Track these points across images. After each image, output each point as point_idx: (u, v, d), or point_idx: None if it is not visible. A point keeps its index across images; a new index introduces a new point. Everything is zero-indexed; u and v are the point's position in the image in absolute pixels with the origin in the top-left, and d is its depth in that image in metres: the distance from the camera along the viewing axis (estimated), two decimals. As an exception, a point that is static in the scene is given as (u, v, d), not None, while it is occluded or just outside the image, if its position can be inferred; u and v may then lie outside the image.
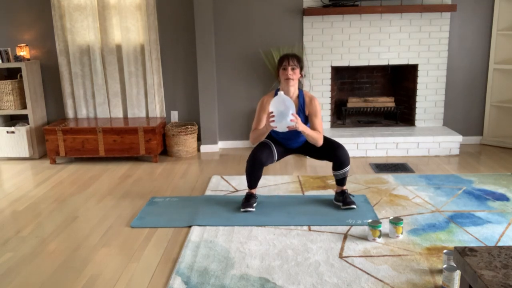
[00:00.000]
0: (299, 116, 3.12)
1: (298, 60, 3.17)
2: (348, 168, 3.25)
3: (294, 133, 3.19)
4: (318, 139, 3.14)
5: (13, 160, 4.81)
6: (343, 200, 3.30)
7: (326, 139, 3.25)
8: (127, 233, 3.05)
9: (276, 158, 3.27)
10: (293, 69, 3.13)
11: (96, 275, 2.54)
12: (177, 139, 4.72)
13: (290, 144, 3.33)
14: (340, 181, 3.32)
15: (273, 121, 2.94)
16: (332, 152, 3.19)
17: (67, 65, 4.92)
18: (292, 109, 2.93)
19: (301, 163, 4.44)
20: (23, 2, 4.82)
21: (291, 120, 2.93)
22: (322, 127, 3.23)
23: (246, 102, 4.96)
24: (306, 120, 3.23)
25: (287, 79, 3.11)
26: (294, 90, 3.17)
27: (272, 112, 2.95)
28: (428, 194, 3.54)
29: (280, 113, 2.92)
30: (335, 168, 3.25)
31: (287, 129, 2.99)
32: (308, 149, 3.33)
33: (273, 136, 3.32)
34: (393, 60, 4.82)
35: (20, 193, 3.86)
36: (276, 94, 3.11)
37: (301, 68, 3.19)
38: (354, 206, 3.26)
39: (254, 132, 3.21)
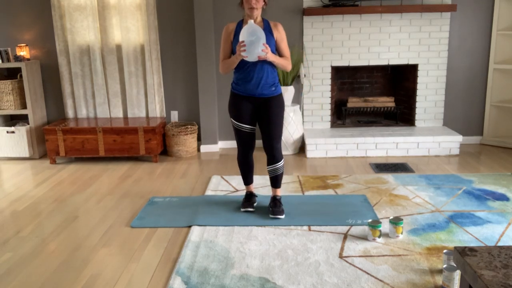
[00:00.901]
0: (268, 38, 3.03)
1: None
2: (279, 165, 3.20)
3: (260, 70, 3.05)
4: (287, 65, 3.11)
5: (13, 160, 4.81)
6: (272, 207, 3.23)
7: (279, 130, 3.16)
8: (127, 233, 3.05)
9: (254, 129, 3.22)
10: None
11: (96, 275, 2.54)
12: (177, 139, 4.72)
13: (250, 89, 3.10)
14: (273, 180, 3.26)
15: (244, 50, 2.88)
16: (269, 142, 3.14)
17: (67, 65, 4.92)
18: (263, 39, 2.88)
19: (301, 163, 4.44)
20: (23, 2, 4.82)
21: (262, 50, 2.89)
22: (289, 52, 3.18)
23: (246, 102, 4.95)
24: (275, 45, 3.14)
25: (251, 8, 2.99)
26: (257, 17, 3.08)
27: (243, 42, 2.89)
28: (428, 194, 3.54)
29: (251, 42, 2.87)
30: (268, 162, 3.22)
31: (257, 59, 2.93)
32: (262, 111, 3.16)
33: (238, 83, 3.15)
34: (393, 60, 4.82)
35: (20, 193, 3.86)
36: (239, 23, 3.09)
37: None
38: (282, 217, 3.18)
39: (224, 62, 3.12)
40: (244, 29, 2.91)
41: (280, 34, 3.10)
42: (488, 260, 1.28)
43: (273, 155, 3.17)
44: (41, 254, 2.79)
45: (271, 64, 3.06)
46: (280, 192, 3.34)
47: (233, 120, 3.19)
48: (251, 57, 2.91)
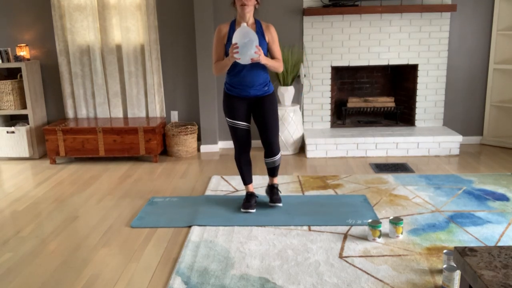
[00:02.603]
0: (260, 40, 3.06)
1: None
2: (277, 157, 3.29)
3: (252, 72, 3.09)
4: (278, 67, 3.16)
5: (13, 160, 4.81)
6: (270, 195, 3.37)
7: (275, 124, 3.20)
8: (127, 233, 3.05)
9: (249, 126, 3.27)
10: None
11: (96, 275, 2.54)
12: (177, 139, 4.72)
13: (244, 90, 3.15)
14: (271, 171, 3.36)
15: (237, 52, 2.91)
16: (267, 138, 3.22)
17: (67, 65, 4.92)
18: (256, 41, 2.91)
19: (301, 163, 4.44)
20: (23, 2, 4.82)
21: (255, 52, 2.92)
22: (281, 54, 3.23)
23: (246, 102, 4.95)
24: (267, 47, 3.17)
25: (243, 5, 3.00)
26: (249, 16, 3.09)
27: (236, 44, 2.92)
28: (428, 194, 3.54)
29: (244, 44, 2.90)
30: (266, 155, 3.30)
31: (250, 61, 2.97)
32: (257, 109, 3.21)
33: (232, 85, 3.19)
34: (393, 60, 4.82)
35: (20, 193, 3.86)
36: (232, 24, 3.11)
37: None
38: (280, 205, 3.33)
39: (217, 64, 3.15)
40: (237, 32, 2.93)
41: (272, 36, 3.15)
42: (488, 260, 1.28)
43: (272, 149, 3.26)
44: (41, 254, 2.79)
45: (262, 65, 3.10)
46: (277, 180, 3.44)
47: (228, 119, 3.23)
48: (244, 59, 2.95)
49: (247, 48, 2.89)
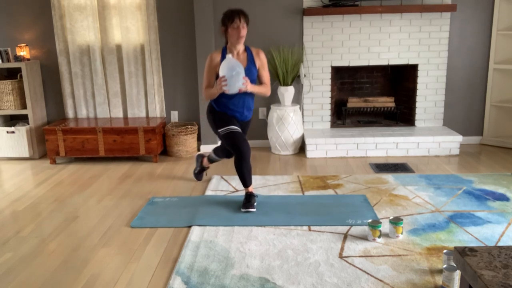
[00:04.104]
0: (251, 68, 3.24)
1: (245, 16, 3.20)
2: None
3: (242, 102, 3.30)
4: (265, 92, 3.33)
5: (13, 160, 4.81)
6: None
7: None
8: (127, 233, 3.05)
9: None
10: (243, 26, 3.17)
11: (96, 275, 2.54)
12: (177, 139, 4.72)
13: (234, 114, 3.34)
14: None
15: (225, 85, 3.07)
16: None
17: (67, 65, 4.92)
18: (242, 73, 3.07)
19: (301, 163, 4.44)
20: (23, 2, 4.82)
21: (242, 84, 3.09)
22: (269, 79, 3.39)
23: (246, 102, 4.95)
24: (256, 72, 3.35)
25: (240, 37, 3.16)
26: (241, 47, 3.28)
27: (224, 77, 3.06)
28: (428, 194, 3.54)
29: (231, 77, 3.05)
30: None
31: (237, 91, 3.13)
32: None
33: (227, 112, 3.34)
34: (393, 60, 4.82)
35: (20, 193, 3.86)
36: (223, 52, 3.24)
37: (247, 23, 3.22)
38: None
39: (206, 90, 3.29)
40: (223, 65, 3.08)
41: (261, 61, 3.32)
42: (488, 260, 1.28)
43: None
44: (41, 254, 2.79)
45: (250, 92, 3.29)
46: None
47: (221, 129, 3.29)
48: (232, 90, 3.11)
49: (234, 79, 3.05)
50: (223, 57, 3.19)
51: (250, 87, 3.17)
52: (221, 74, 3.08)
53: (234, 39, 3.16)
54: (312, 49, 4.81)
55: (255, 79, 3.30)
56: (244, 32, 3.15)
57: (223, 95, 3.25)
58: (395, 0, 4.67)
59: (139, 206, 3.50)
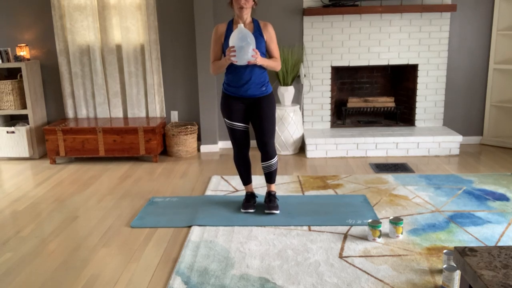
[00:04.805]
0: (259, 39, 3.07)
1: None
2: (273, 161, 3.24)
3: (249, 70, 3.08)
4: (276, 66, 3.15)
5: (13, 160, 4.81)
6: (267, 202, 3.30)
7: (271, 127, 3.18)
8: (127, 233, 3.05)
9: (248, 127, 3.26)
10: None
11: (96, 275, 2.54)
12: (177, 139, 4.71)
13: (241, 90, 3.13)
14: (268, 176, 3.31)
15: (234, 55, 2.91)
16: (262, 139, 3.18)
17: (67, 65, 4.92)
18: (253, 45, 2.91)
19: (301, 163, 4.44)
20: (23, 2, 4.82)
21: (252, 56, 2.92)
22: (278, 53, 3.21)
23: (246, 102, 4.95)
24: (265, 46, 3.17)
25: (241, 8, 3.01)
26: (247, 17, 3.10)
27: (233, 47, 2.91)
28: (428, 194, 3.54)
29: (241, 47, 2.90)
30: (262, 159, 3.26)
31: (246, 63, 2.97)
32: (254, 110, 3.19)
33: (229, 84, 3.17)
34: (393, 60, 4.82)
35: (20, 193, 3.86)
36: (229, 24, 3.10)
37: None
38: (276, 212, 3.25)
39: (214, 64, 3.15)
40: (234, 34, 2.92)
41: (270, 34, 3.13)
42: (488, 260, 1.28)
43: (267, 151, 3.20)
44: (41, 254, 2.79)
45: (260, 65, 3.09)
46: (274, 187, 3.39)
47: (226, 120, 3.22)
48: (241, 62, 2.95)
49: (244, 51, 2.89)
50: (229, 29, 3.08)
51: (260, 60, 2.98)
52: (230, 43, 2.93)
53: (236, 8, 3.03)
54: (312, 49, 4.81)
55: (264, 52, 3.12)
56: (245, 3, 2.99)
57: (230, 71, 3.10)
58: (395, 0, 4.67)
59: (139, 206, 3.50)
